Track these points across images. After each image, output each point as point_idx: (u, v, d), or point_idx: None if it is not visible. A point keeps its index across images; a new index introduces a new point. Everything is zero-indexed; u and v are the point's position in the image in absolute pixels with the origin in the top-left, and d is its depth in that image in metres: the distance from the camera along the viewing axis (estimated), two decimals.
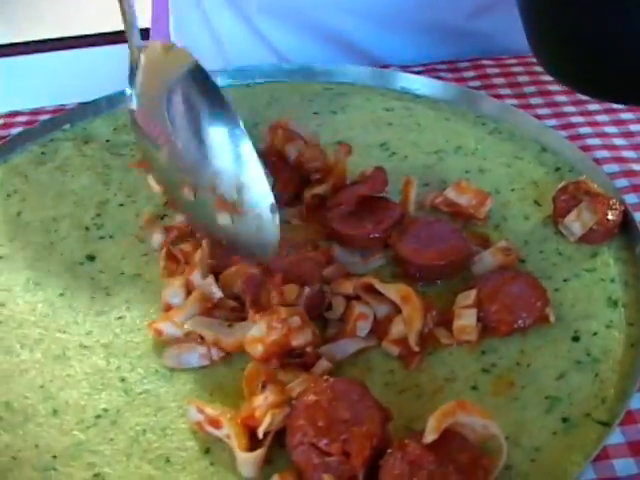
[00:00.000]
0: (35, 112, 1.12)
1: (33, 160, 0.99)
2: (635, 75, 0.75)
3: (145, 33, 1.46)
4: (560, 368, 0.70)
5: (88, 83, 1.35)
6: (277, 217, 0.72)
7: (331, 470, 0.60)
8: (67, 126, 1.04)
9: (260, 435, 0.63)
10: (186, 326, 0.73)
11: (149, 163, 0.84)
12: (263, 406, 0.65)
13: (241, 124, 0.72)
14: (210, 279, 0.75)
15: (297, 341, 0.69)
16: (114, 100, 1.06)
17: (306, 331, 0.70)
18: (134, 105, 0.82)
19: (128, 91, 0.82)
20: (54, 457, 0.67)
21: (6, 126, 1.10)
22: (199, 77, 0.73)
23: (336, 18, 1.22)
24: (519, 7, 0.80)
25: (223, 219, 0.76)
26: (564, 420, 0.66)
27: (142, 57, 0.80)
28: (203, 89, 0.74)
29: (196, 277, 0.76)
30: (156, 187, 0.86)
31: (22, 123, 1.10)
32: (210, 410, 0.66)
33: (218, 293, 0.75)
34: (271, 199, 0.72)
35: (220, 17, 1.34)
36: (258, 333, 0.70)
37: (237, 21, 1.31)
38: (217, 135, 0.74)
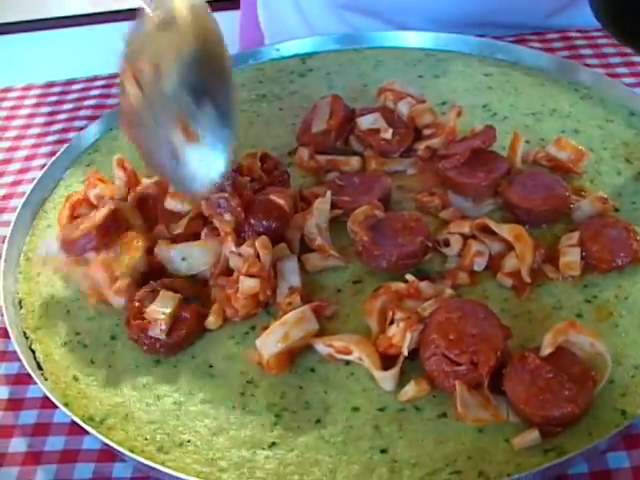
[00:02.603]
0: None
1: None
2: None
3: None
4: None
5: None
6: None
7: (460, 377, 0.70)
8: None
9: (405, 352, 0.72)
10: None
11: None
12: (398, 333, 0.74)
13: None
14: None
15: None
16: None
17: None
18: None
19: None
20: (210, 366, 0.78)
21: (108, 86, 1.21)
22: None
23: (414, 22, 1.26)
24: None
25: (177, 139, 0.77)
26: None
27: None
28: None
29: (310, 223, 0.85)
30: None
31: None
32: (337, 342, 0.75)
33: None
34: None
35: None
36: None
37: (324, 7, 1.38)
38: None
